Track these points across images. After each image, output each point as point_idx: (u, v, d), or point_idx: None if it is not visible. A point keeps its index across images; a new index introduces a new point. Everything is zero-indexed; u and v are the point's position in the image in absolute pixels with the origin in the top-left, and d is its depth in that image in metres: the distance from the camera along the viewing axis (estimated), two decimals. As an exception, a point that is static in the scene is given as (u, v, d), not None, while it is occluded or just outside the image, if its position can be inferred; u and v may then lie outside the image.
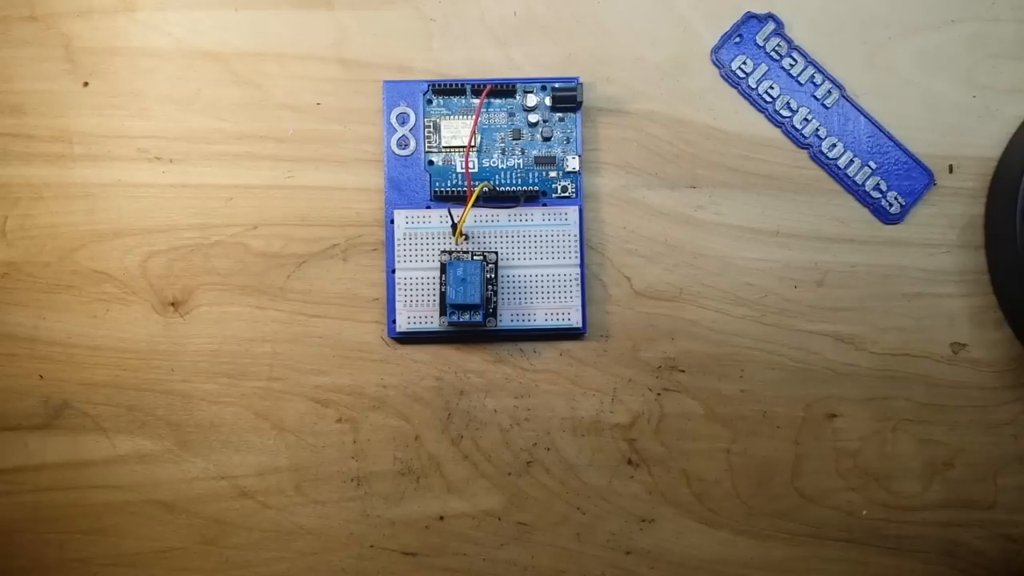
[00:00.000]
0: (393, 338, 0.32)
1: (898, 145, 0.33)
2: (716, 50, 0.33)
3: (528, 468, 0.33)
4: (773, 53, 0.33)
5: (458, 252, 0.31)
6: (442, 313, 0.31)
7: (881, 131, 0.33)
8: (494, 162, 0.33)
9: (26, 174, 0.33)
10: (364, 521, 0.32)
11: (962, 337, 0.33)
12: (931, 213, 0.33)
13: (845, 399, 0.33)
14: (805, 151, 0.33)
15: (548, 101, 0.32)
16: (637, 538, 0.33)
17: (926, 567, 0.33)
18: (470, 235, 0.32)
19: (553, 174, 0.33)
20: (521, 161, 0.33)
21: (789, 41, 0.33)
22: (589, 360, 0.33)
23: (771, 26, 0.33)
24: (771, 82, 0.33)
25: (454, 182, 0.33)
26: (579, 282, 0.32)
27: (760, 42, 0.33)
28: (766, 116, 0.33)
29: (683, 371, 0.33)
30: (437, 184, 0.32)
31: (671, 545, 0.33)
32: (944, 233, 0.33)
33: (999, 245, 0.32)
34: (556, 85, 0.32)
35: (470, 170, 0.32)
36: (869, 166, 0.33)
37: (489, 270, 0.31)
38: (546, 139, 0.33)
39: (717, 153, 0.33)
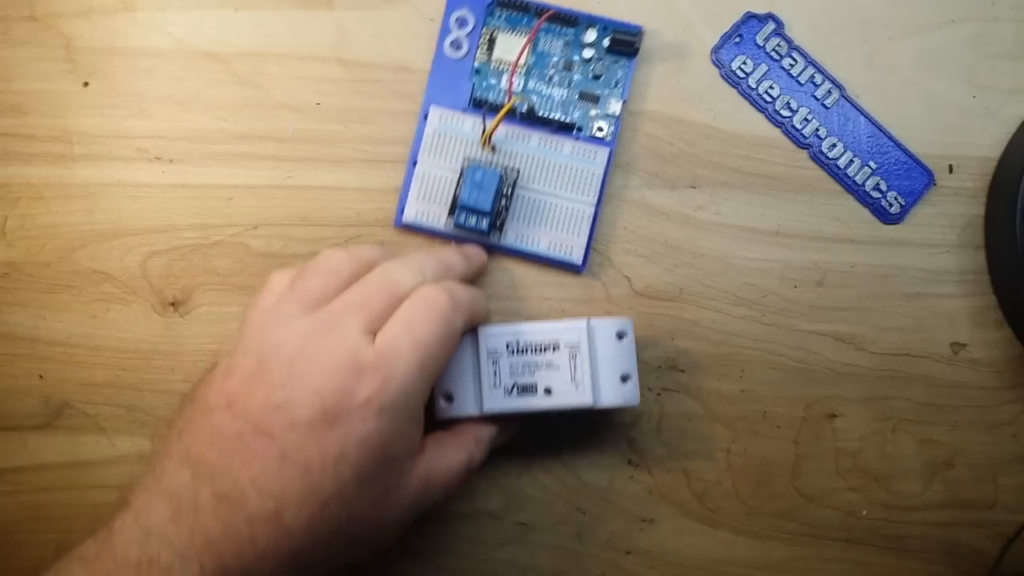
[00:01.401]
0: (397, 227, 0.33)
1: (898, 145, 0.33)
2: (716, 50, 0.33)
3: (528, 468, 0.33)
4: (773, 53, 0.33)
5: (482, 160, 0.31)
6: (451, 213, 0.31)
7: (881, 131, 0.33)
8: (539, 86, 0.33)
9: (26, 174, 0.33)
10: (364, 521, 0.32)
11: (962, 337, 0.33)
12: (931, 213, 0.33)
13: (845, 399, 0.33)
14: (805, 151, 0.33)
15: (606, 42, 0.32)
16: (637, 538, 0.33)
17: (926, 567, 0.33)
18: (498, 148, 0.32)
19: (593, 112, 0.32)
20: (566, 92, 0.33)
21: (789, 41, 0.33)
22: (589, 360, 0.33)
23: (771, 26, 0.33)
24: (771, 82, 0.33)
25: (495, 94, 0.33)
26: (590, 222, 0.32)
27: (760, 42, 0.33)
28: (766, 116, 0.33)
29: (683, 371, 0.33)
30: (479, 91, 0.33)
31: (671, 545, 0.33)
32: (944, 233, 0.33)
33: (999, 245, 0.32)
34: (618, 28, 0.32)
35: (513, 86, 0.32)
36: (869, 166, 0.33)
37: (507, 185, 0.31)
38: (596, 77, 0.32)
39: (717, 153, 0.33)
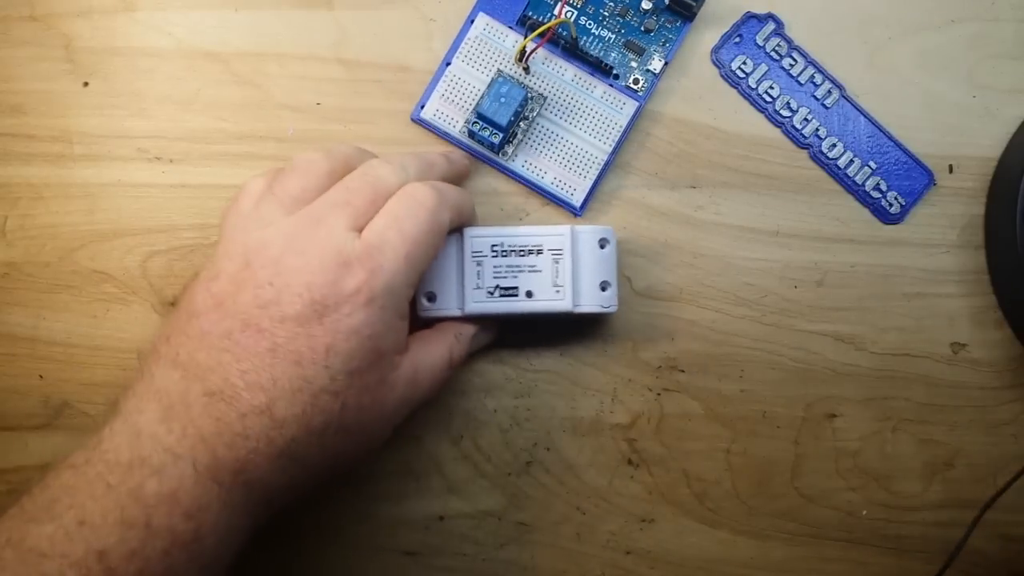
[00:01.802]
0: (413, 121, 0.33)
1: (898, 145, 0.33)
2: (716, 50, 0.33)
3: (528, 468, 0.33)
4: (773, 53, 0.33)
5: (513, 77, 0.31)
6: (466, 122, 0.31)
7: (881, 131, 0.33)
8: (589, 24, 0.33)
9: (26, 174, 0.33)
10: (364, 521, 0.32)
11: (962, 337, 0.33)
12: (931, 213, 0.33)
13: (845, 399, 0.33)
14: (805, 151, 0.33)
15: (667, 0, 0.32)
16: (637, 538, 0.33)
17: (926, 567, 0.33)
18: (532, 71, 0.32)
19: (634, 63, 0.33)
20: (613, 36, 0.33)
21: (789, 41, 0.33)
22: (589, 360, 0.33)
23: (771, 26, 0.33)
24: (771, 82, 0.33)
25: (545, 17, 0.33)
26: (600, 169, 0.32)
27: (760, 42, 0.33)
28: (766, 116, 0.33)
29: (683, 371, 0.33)
30: (530, 10, 0.32)
31: (671, 545, 0.33)
32: (944, 233, 0.33)
33: (999, 245, 0.32)
34: None
35: (563, 14, 0.32)
36: (869, 166, 0.33)
37: (530, 108, 0.32)
38: (647, 31, 0.32)
39: (717, 153, 0.33)
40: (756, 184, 0.33)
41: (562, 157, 0.32)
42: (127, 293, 0.33)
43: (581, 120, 0.32)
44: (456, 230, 0.30)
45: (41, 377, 0.33)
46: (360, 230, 0.25)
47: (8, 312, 0.33)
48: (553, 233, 0.30)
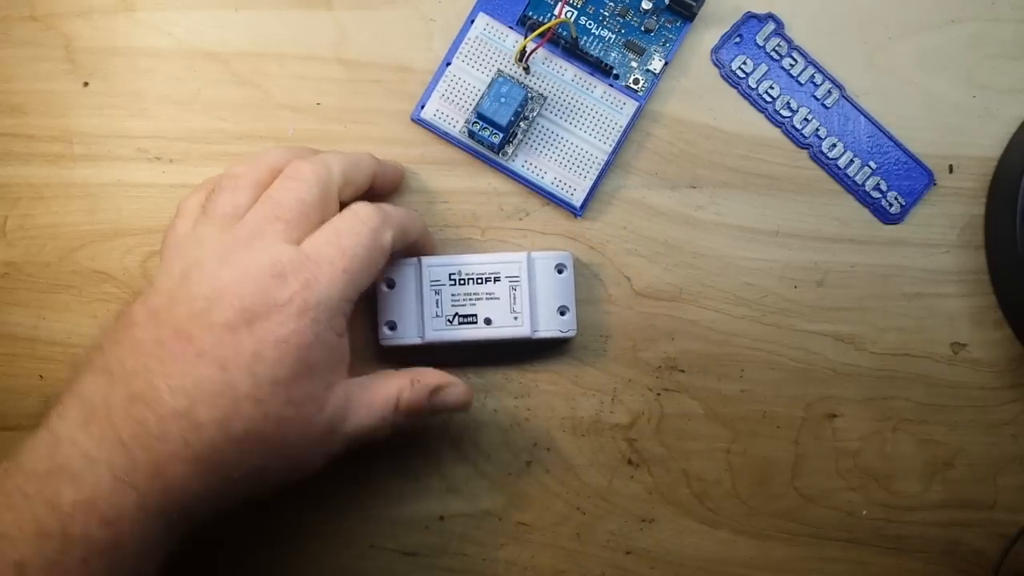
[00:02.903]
0: (413, 121, 0.33)
1: (898, 145, 0.33)
2: (716, 50, 0.33)
3: (528, 468, 0.33)
4: (773, 53, 0.33)
5: (513, 77, 0.32)
6: (466, 122, 0.31)
7: (881, 131, 0.33)
8: (589, 23, 0.33)
9: (26, 174, 0.33)
10: (364, 521, 0.32)
11: (962, 337, 0.33)
12: (931, 213, 0.33)
13: (845, 399, 0.33)
14: (805, 151, 0.33)
15: (667, 0, 0.32)
16: (637, 538, 0.33)
17: (926, 567, 0.33)
18: (532, 71, 0.32)
19: (634, 63, 0.33)
20: (614, 36, 0.33)
21: (789, 41, 0.33)
22: (589, 360, 0.33)
23: (771, 26, 0.33)
24: (771, 82, 0.33)
25: (546, 18, 0.33)
26: (600, 169, 0.32)
27: (760, 42, 0.33)
28: (766, 116, 0.33)
29: (683, 371, 0.33)
30: (530, 10, 0.32)
31: (671, 545, 0.33)
32: (944, 233, 0.33)
33: (999, 245, 0.32)
34: None
35: (563, 14, 0.32)
36: (869, 166, 0.33)
37: (530, 108, 0.32)
38: (647, 31, 0.32)
39: (717, 153, 0.33)
40: (756, 184, 0.33)
41: (562, 157, 0.32)
42: (127, 293, 0.33)
43: (581, 120, 0.32)
44: (413, 258, 0.30)
45: (41, 377, 0.33)
46: (298, 243, 0.25)
47: (8, 312, 0.33)
48: (509, 260, 0.30)
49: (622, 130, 0.32)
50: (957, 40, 0.33)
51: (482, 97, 0.31)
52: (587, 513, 0.33)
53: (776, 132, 0.33)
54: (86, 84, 0.33)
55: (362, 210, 0.27)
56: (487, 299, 0.30)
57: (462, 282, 0.30)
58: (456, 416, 0.33)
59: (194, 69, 0.33)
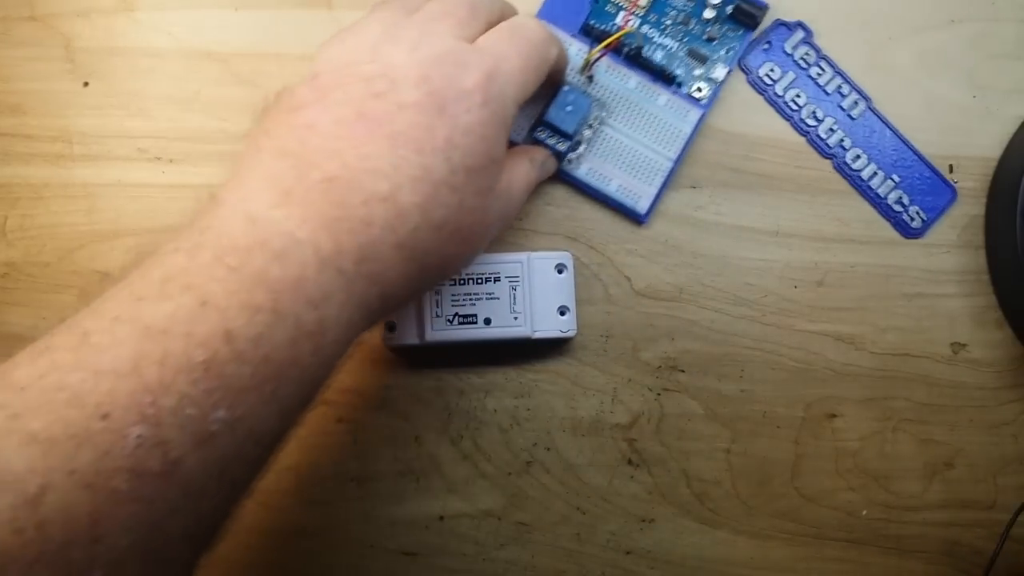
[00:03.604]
0: None
1: (922, 159, 0.33)
2: (744, 56, 0.33)
3: (528, 468, 0.33)
4: (801, 61, 0.33)
5: (577, 87, 0.32)
6: (531, 130, 0.31)
7: (906, 145, 0.33)
8: (652, 32, 0.33)
9: (26, 174, 0.33)
10: (364, 521, 0.32)
11: (962, 337, 0.33)
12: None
13: (845, 399, 0.33)
14: (829, 160, 0.33)
15: (729, 9, 0.32)
16: (637, 538, 0.33)
17: (926, 567, 0.33)
18: (595, 80, 0.32)
19: (697, 72, 0.32)
20: (676, 45, 0.33)
21: (817, 50, 0.33)
22: (589, 360, 0.33)
23: (800, 34, 0.33)
24: (798, 90, 0.33)
25: (609, 27, 0.33)
26: (665, 176, 0.32)
27: (789, 50, 0.33)
28: (792, 124, 0.33)
29: (683, 371, 0.33)
30: (592, 19, 0.33)
31: (671, 545, 0.33)
32: (944, 233, 0.33)
33: (999, 245, 0.32)
34: None
35: (628, 23, 0.33)
36: (892, 179, 0.33)
37: (595, 117, 0.32)
38: (709, 39, 0.32)
39: (717, 153, 0.33)
40: (756, 184, 0.33)
41: (626, 164, 0.32)
42: (127, 293, 0.33)
43: (645, 128, 0.32)
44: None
45: (41, 377, 0.33)
46: (470, 41, 0.25)
47: (8, 312, 0.33)
48: (509, 260, 0.30)
49: (686, 138, 0.32)
50: (957, 40, 0.33)
51: (548, 105, 0.31)
52: (587, 513, 0.33)
53: (776, 131, 0.33)
54: (86, 84, 0.33)
55: (530, 21, 0.26)
56: (487, 299, 0.30)
57: (462, 282, 0.30)
58: (456, 416, 0.33)
59: (194, 69, 0.33)
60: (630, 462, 0.33)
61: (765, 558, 0.33)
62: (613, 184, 0.32)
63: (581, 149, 0.32)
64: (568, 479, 0.33)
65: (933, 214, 0.33)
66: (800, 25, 0.33)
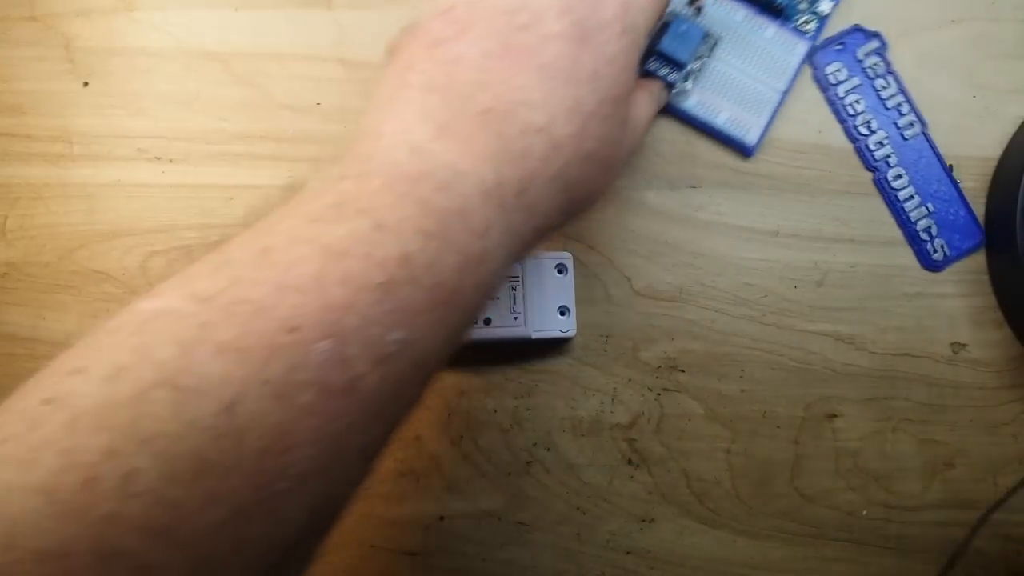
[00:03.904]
0: None
1: (962, 198, 0.33)
2: (814, 52, 0.33)
3: (528, 468, 0.33)
4: (869, 70, 0.33)
5: (688, 17, 0.32)
6: (641, 62, 0.31)
7: (950, 179, 0.33)
8: None
9: (26, 174, 0.33)
10: (364, 521, 0.32)
11: (962, 337, 0.33)
12: (931, 213, 0.33)
13: (845, 399, 0.33)
14: (871, 173, 0.33)
15: None
16: (637, 538, 0.33)
17: (926, 567, 0.33)
18: (704, 12, 0.32)
19: (803, 5, 0.33)
20: None
21: (888, 63, 0.33)
22: (589, 360, 0.33)
23: (875, 44, 0.33)
24: (859, 96, 0.33)
25: None
26: (773, 108, 0.32)
27: (860, 56, 0.33)
28: (844, 129, 0.33)
29: (683, 371, 0.33)
30: None
31: (671, 545, 0.33)
32: (944, 233, 0.33)
33: (999, 245, 0.32)
34: None
35: None
36: (927, 207, 0.33)
37: (706, 47, 0.32)
38: None
39: (717, 153, 0.33)
40: (756, 184, 0.33)
41: (735, 96, 0.32)
42: (127, 293, 0.33)
43: (753, 60, 0.32)
44: None
45: (41, 377, 0.33)
46: None
47: (8, 312, 0.33)
48: None
49: (794, 70, 0.32)
50: (957, 40, 0.33)
51: (660, 36, 0.31)
52: (587, 513, 0.33)
53: (776, 131, 0.33)
54: (86, 84, 0.33)
55: None
56: None
57: None
58: (456, 416, 0.33)
59: (194, 69, 0.33)
60: (630, 462, 0.33)
61: (765, 558, 0.33)
62: (722, 116, 0.32)
63: (689, 83, 0.32)
64: (568, 479, 0.33)
65: (956, 253, 0.33)
66: (877, 35, 0.33)
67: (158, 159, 0.33)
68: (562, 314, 0.31)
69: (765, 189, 0.33)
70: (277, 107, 0.33)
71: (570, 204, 0.23)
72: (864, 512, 0.33)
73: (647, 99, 0.29)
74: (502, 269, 0.22)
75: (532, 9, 0.22)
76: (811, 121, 0.33)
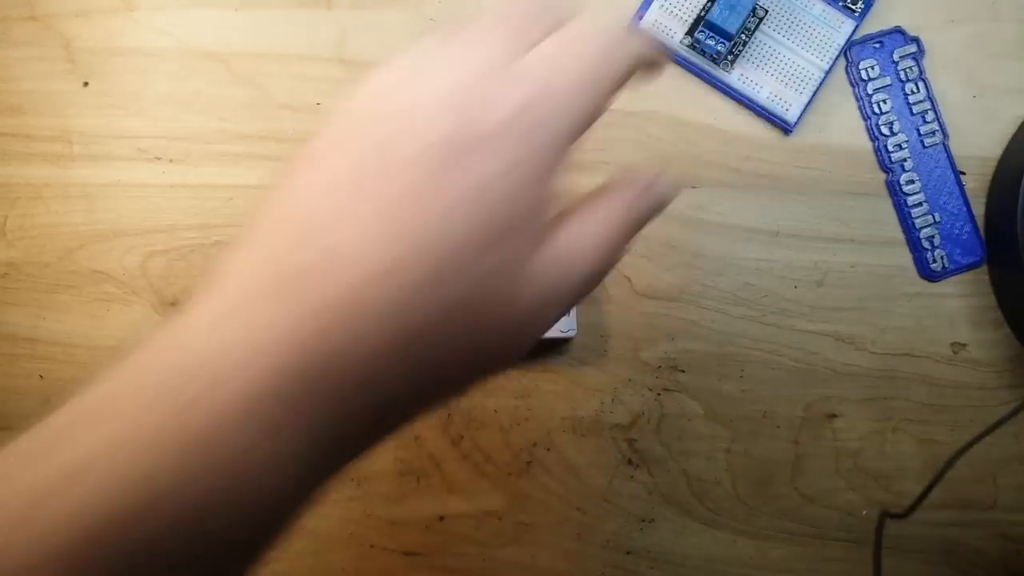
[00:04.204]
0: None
1: (970, 214, 0.33)
2: (851, 45, 0.33)
3: (528, 468, 0.33)
4: (902, 73, 0.33)
5: None
6: (688, 33, 0.31)
7: (962, 193, 0.33)
8: None
9: (26, 174, 0.33)
10: (364, 521, 0.32)
11: (962, 337, 0.33)
12: (931, 213, 0.33)
13: (845, 399, 0.33)
14: (885, 175, 0.33)
15: None
16: (637, 538, 0.33)
17: (926, 567, 0.33)
18: None
19: None
20: None
21: (921, 70, 0.33)
22: (589, 360, 0.33)
23: (912, 48, 0.33)
24: (886, 96, 0.33)
25: None
26: (815, 86, 0.32)
27: (896, 58, 0.33)
28: (866, 126, 0.33)
29: (683, 371, 0.33)
30: None
31: (671, 545, 0.33)
32: (944, 233, 0.33)
33: (999, 245, 0.32)
34: None
35: None
36: (933, 216, 0.33)
37: (753, 21, 0.32)
38: None
39: (717, 153, 0.33)
40: (756, 184, 0.33)
41: (779, 73, 0.32)
42: (127, 293, 0.33)
43: (799, 36, 0.32)
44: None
45: (41, 377, 0.33)
46: (519, 56, 0.19)
47: (8, 312, 0.33)
48: None
49: (839, 48, 0.32)
50: (957, 40, 0.33)
51: (709, 7, 0.30)
52: (587, 513, 0.33)
53: (777, 131, 0.33)
54: (86, 84, 0.33)
55: (593, 22, 0.20)
56: None
57: None
58: (456, 416, 0.33)
59: (194, 69, 0.33)
60: (630, 462, 0.33)
61: (765, 558, 0.33)
62: (764, 92, 0.32)
63: (736, 53, 0.32)
64: (568, 479, 0.33)
65: (954, 267, 0.33)
66: (916, 40, 0.33)
67: (158, 159, 0.33)
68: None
69: (765, 189, 0.33)
70: (277, 107, 0.33)
71: (424, 383, 0.19)
72: (864, 512, 0.33)
73: (609, 217, 0.22)
74: (301, 487, 0.18)
75: (404, 119, 0.19)
76: (830, 123, 0.33)
